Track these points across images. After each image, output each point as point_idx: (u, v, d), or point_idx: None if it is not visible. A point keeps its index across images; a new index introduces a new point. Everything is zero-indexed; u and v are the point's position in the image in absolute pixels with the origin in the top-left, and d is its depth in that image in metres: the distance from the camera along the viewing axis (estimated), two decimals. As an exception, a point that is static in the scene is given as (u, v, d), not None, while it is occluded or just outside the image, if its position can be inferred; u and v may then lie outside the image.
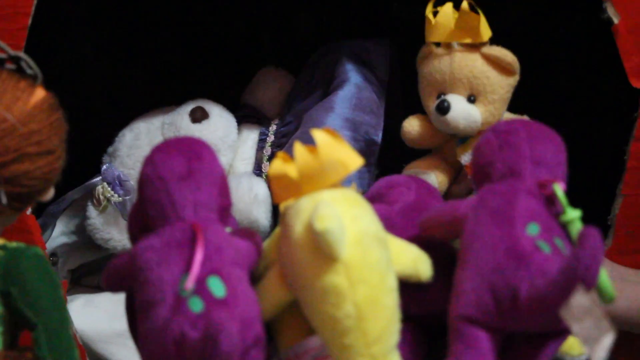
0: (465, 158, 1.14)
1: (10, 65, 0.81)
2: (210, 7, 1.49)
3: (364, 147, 1.21)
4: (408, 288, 0.84)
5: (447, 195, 1.17)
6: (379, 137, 1.23)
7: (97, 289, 1.29)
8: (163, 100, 1.32)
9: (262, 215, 1.21)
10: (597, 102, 1.32)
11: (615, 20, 1.08)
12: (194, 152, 0.83)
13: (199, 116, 1.26)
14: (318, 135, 0.81)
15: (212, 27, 1.50)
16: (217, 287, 0.78)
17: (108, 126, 1.32)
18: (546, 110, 1.13)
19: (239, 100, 1.38)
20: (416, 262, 0.86)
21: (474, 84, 1.12)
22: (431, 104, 1.14)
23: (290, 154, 0.83)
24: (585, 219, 0.82)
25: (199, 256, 0.78)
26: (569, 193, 0.84)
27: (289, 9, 1.49)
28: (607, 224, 1.13)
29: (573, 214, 0.82)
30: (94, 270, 1.32)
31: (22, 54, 0.81)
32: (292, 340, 0.85)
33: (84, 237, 1.30)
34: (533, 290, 0.77)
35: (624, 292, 0.94)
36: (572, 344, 0.89)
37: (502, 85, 1.12)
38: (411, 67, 1.19)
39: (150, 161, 0.83)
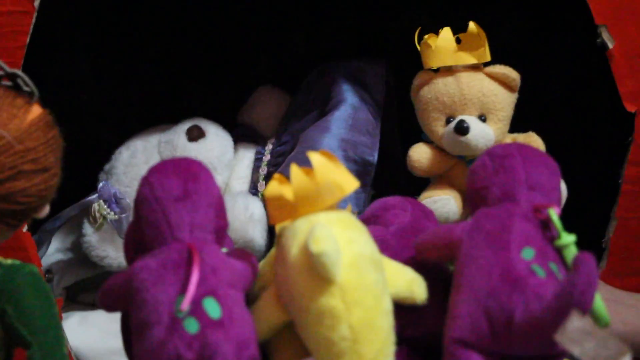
0: None
1: (6, 82, 0.82)
2: (207, 27, 1.49)
3: (360, 168, 1.21)
4: (403, 310, 0.85)
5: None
6: (374, 157, 1.23)
7: (92, 306, 1.29)
8: (160, 118, 1.33)
9: (257, 235, 1.22)
10: (591, 125, 1.33)
11: (610, 45, 1.09)
12: (191, 173, 0.84)
13: (195, 135, 1.26)
14: (314, 157, 0.81)
15: (209, 46, 1.51)
16: (212, 308, 0.78)
17: (105, 144, 1.33)
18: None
19: (236, 119, 1.38)
20: (411, 285, 0.87)
21: (484, 102, 1.12)
22: (440, 129, 1.14)
23: (286, 174, 0.83)
24: (579, 242, 0.83)
25: (194, 277, 0.78)
26: (563, 215, 0.84)
27: (285, 28, 1.50)
28: (602, 247, 1.13)
29: (568, 239, 0.82)
30: (90, 287, 1.32)
31: (18, 72, 0.81)
32: (288, 361, 0.85)
33: (80, 255, 1.30)
34: (528, 314, 0.78)
35: (620, 316, 0.94)
36: (565, 368, 0.89)
37: (508, 103, 1.13)
38: (407, 88, 1.19)
39: (146, 182, 0.83)
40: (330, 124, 1.23)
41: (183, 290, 0.78)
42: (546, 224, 0.83)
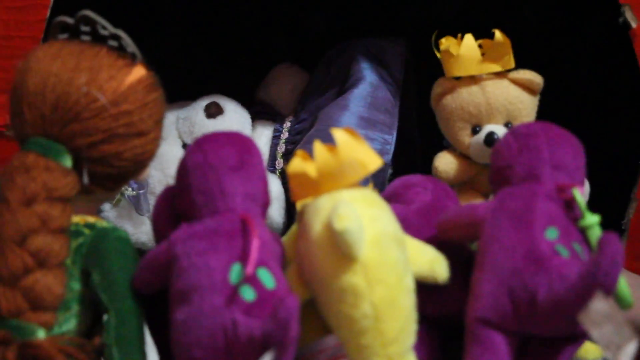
0: None
1: (112, 43, 0.81)
2: (226, 3, 1.49)
3: (379, 146, 1.21)
4: (424, 289, 0.84)
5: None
6: (393, 136, 1.22)
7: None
8: (178, 95, 1.32)
9: (275, 213, 1.22)
10: (613, 106, 1.32)
11: (634, 24, 1.08)
12: (245, 145, 0.84)
13: (213, 111, 1.26)
14: (338, 134, 0.81)
15: (227, 23, 1.50)
16: (267, 279, 0.79)
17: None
18: (561, 114, 1.13)
19: (254, 97, 1.38)
20: (433, 264, 0.86)
21: (510, 110, 1.11)
22: (466, 138, 1.13)
23: (303, 152, 0.83)
24: (600, 224, 0.83)
25: (255, 244, 0.78)
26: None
27: (305, 6, 1.49)
28: (622, 229, 1.13)
29: (592, 219, 0.82)
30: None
31: (120, 32, 0.81)
32: (309, 338, 0.85)
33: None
34: (551, 294, 0.77)
35: None
36: (587, 349, 0.89)
37: (532, 107, 1.13)
38: (425, 68, 1.18)
39: (199, 149, 0.83)
40: (349, 102, 1.22)
41: (237, 258, 0.78)
42: (570, 204, 0.83)
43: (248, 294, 0.77)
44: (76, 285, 0.80)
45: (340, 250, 0.78)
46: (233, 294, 0.77)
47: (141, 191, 1.24)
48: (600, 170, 1.13)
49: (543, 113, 1.15)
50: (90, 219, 0.82)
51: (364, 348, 0.79)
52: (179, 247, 0.79)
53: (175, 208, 0.85)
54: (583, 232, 0.82)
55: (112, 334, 0.78)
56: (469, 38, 1.10)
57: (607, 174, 1.19)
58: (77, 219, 0.81)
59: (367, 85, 1.24)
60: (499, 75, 1.12)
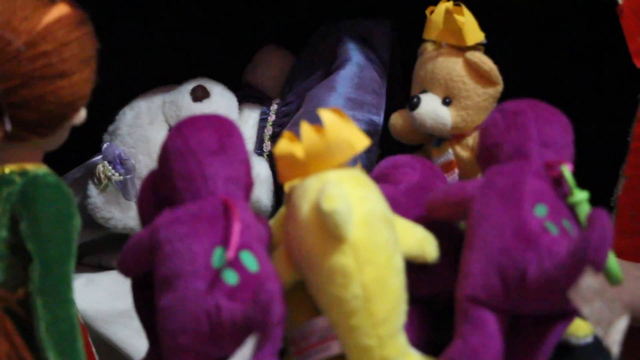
0: (438, 160, 1.16)
1: None
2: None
3: (366, 127, 1.21)
4: (414, 269, 0.84)
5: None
6: (381, 117, 1.23)
7: (98, 268, 1.29)
8: (164, 78, 1.32)
9: (263, 195, 1.21)
10: (601, 83, 1.32)
11: (620, 1, 1.08)
12: (225, 128, 0.83)
13: (200, 95, 1.25)
14: (325, 115, 0.80)
15: (213, 5, 1.50)
16: (250, 262, 0.78)
17: (109, 105, 1.31)
18: (549, 91, 1.13)
19: (240, 80, 1.37)
20: (422, 243, 0.86)
21: (450, 86, 1.13)
22: None
23: (290, 133, 0.82)
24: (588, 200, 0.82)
25: (237, 227, 0.78)
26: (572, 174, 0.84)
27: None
28: (610, 206, 1.13)
29: (581, 196, 0.81)
30: (95, 249, 1.32)
31: None
32: (298, 320, 0.85)
33: (85, 217, 1.29)
34: (541, 271, 0.77)
35: (628, 286, 0.94)
36: (578, 326, 0.89)
37: (479, 93, 1.12)
38: (413, 48, 1.18)
39: (179, 133, 0.82)
40: (336, 83, 1.22)
41: (220, 242, 0.78)
42: (558, 181, 0.83)
43: (231, 277, 0.77)
44: (5, 234, 0.77)
45: (329, 231, 0.78)
46: (216, 278, 0.76)
47: (128, 176, 1.23)
48: (589, 147, 1.13)
49: (532, 91, 1.14)
50: (29, 167, 0.78)
51: (354, 329, 0.79)
52: (162, 233, 0.79)
53: (159, 192, 0.84)
54: (572, 208, 0.82)
55: (36, 284, 0.75)
56: (441, 5, 1.12)
57: (595, 150, 1.19)
58: (13, 166, 0.78)
59: (354, 66, 1.24)
60: (460, 51, 1.12)
